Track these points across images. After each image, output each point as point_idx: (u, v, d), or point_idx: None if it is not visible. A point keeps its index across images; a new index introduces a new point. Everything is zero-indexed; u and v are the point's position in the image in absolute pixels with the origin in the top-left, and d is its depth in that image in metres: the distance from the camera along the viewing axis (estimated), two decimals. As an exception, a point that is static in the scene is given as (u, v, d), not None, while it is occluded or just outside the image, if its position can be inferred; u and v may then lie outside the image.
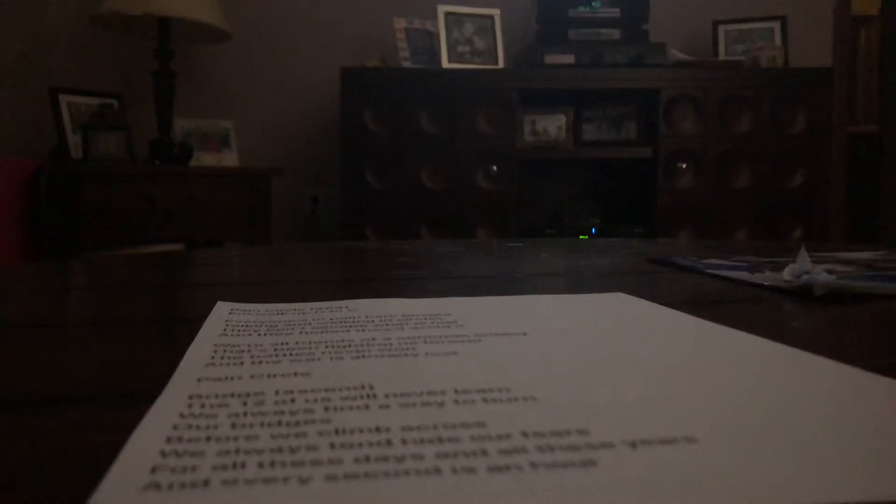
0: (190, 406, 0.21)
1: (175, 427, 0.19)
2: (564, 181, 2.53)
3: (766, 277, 0.50)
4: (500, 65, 2.35)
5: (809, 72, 2.29)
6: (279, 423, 0.20)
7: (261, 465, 0.17)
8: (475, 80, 2.24)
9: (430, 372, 0.25)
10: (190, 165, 2.18)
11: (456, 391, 0.22)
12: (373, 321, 0.34)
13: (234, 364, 0.26)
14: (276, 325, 0.34)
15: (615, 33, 2.30)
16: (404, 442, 0.18)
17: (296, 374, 0.25)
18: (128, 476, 0.16)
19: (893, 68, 3.11)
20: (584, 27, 2.29)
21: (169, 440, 0.18)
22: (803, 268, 0.46)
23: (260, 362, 0.27)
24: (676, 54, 2.33)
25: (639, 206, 2.38)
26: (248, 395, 0.22)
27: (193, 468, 0.16)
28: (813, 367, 0.26)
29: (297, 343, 0.30)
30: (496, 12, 2.39)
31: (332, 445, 0.18)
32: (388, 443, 0.18)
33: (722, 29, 2.51)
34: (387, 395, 0.22)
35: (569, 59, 2.25)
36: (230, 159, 2.37)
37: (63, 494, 0.16)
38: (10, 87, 2.35)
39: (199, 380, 0.24)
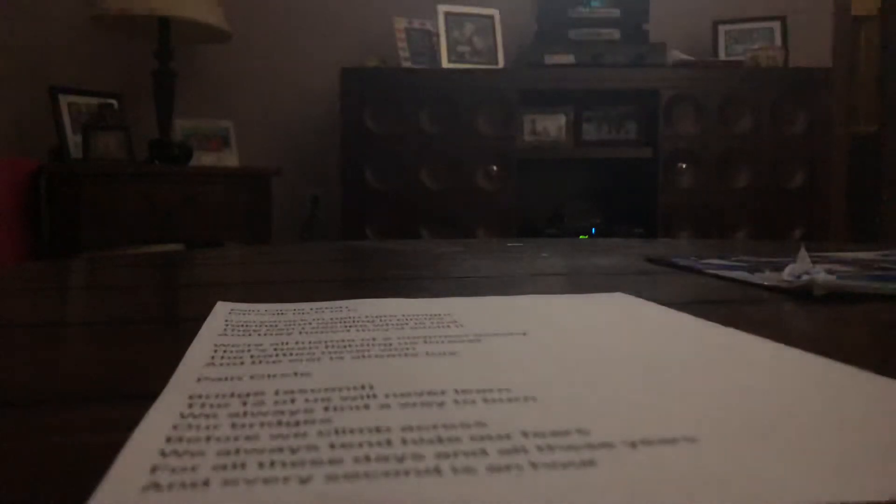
0: (190, 406, 0.21)
1: (175, 427, 0.19)
2: (564, 181, 2.53)
3: (765, 277, 0.50)
4: (500, 65, 2.35)
5: (809, 72, 2.29)
6: (279, 423, 0.20)
7: (261, 465, 0.17)
8: (475, 80, 2.24)
9: (430, 372, 0.25)
10: (190, 165, 2.18)
11: (456, 391, 0.22)
12: (373, 321, 0.34)
13: (234, 364, 0.26)
14: (276, 325, 0.34)
15: (615, 33, 2.30)
16: (404, 442, 0.18)
17: (296, 374, 0.25)
18: (128, 476, 0.16)
19: (893, 68, 3.11)
20: (583, 27, 2.29)
21: (169, 440, 0.18)
22: (803, 268, 0.46)
23: (260, 362, 0.27)
24: (676, 54, 2.33)
25: (639, 206, 2.38)
26: (248, 395, 0.22)
27: (193, 468, 0.16)
28: (813, 367, 0.26)
29: (297, 343, 0.30)
30: (496, 12, 2.39)
31: (332, 445, 0.18)
32: (388, 443, 0.18)
33: (722, 29, 2.51)
34: (387, 395, 0.22)
35: (569, 59, 2.25)
36: (230, 159, 2.37)
37: (63, 494, 0.16)
38: (10, 87, 2.35)
39: (199, 380, 0.24)
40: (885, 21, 3.22)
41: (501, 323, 0.34)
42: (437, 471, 0.16)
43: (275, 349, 0.29)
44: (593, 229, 2.31)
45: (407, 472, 0.16)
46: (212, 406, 0.21)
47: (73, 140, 2.17)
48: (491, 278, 0.58)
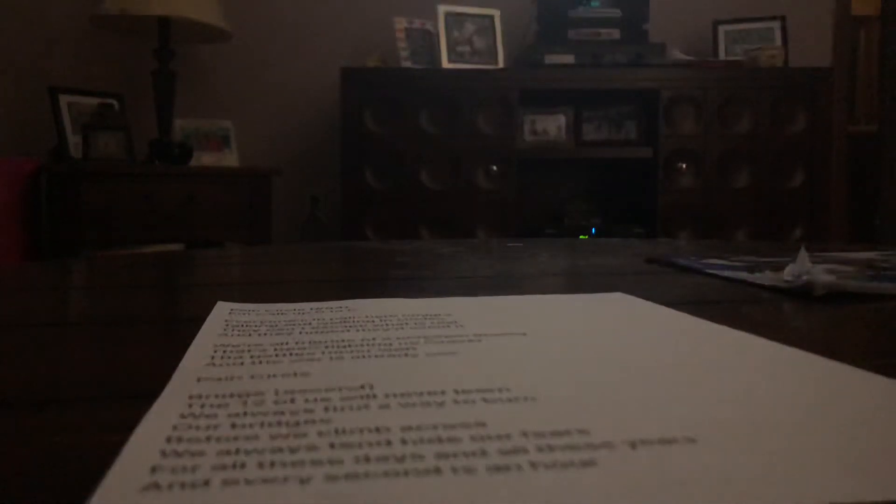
0: (190, 406, 0.21)
1: (175, 427, 0.19)
2: (564, 181, 2.53)
3: (765, 277, 0.50)
4: (500, 65, 2.35)
5: (809, 72, 2.29)
6: (279, 423, 0.20)
7: (261, 465, 0.17)
8: (475, 80, 2.24)
9: (430, 372, 0.25)
10: (190, 165, 2.18)
11: (456, 391, 0.22)
12: (373, 321, 0.34)
13: (234, 364, 0.26)
14: (276, 325, 0.34)
15: (615, 33, 2.29)
16: (404, 442, 0.18)
17: (296, 374, 0.25)
18: (128, 476, 0.16)
19: (893, 68, 3.11)
20: (583, 27, 2.29)
21: (169, 440, 0.18)
22: (803, 268, 0.46)
23: (260, 362, 0.27)
24: (676, 54, 2.33)
25: (639, 206, 2.38)
26: (248, 395, 0.22)
27: (193, 468, 0.16)
28: (813, 367, 0.26)
29: (297, 343, 0.30)
30: (496, 12, 2.39)
31: (332, 445, 0.18)
32: (388, 443, 0.18)
33: (722, 29, 2.51)
34: (387, 395, 0.22)
35: (569, 59, 2.25)
36: (230, 159, 2.37)
37: (63, 494, 0.16)
38: (10, 87, 2.35)
39: (199, 380, 0.24)
40: (885, 21, 3.22)
41: (501, 323, 0.34)
42: (437, 471, 0.16)
43: (275, 349, 0.29)
44: (593, 229, 2.31)
45: (407, 472, 0.16)
46: (212, 406, 0.21)
47: (73, 140, 2.17)
48: (491, 278, 0.58)
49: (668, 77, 2.25)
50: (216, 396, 0.22)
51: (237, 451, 0.17)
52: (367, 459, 0.17)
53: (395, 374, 0.25)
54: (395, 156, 2.21)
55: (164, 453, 0.17)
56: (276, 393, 0.23)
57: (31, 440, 0.20)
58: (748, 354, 0.28)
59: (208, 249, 1.81)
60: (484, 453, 0.17)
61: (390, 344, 0.30)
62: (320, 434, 0.19)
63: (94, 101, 2.22)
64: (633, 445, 0.18)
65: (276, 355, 0.28)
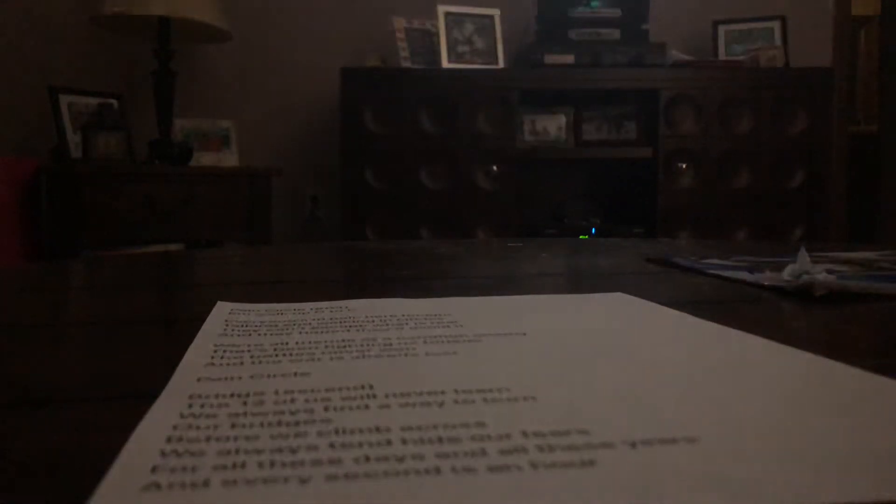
0: (190, 406, 0.21)
1: (175, 427, 0.19)
2: (564, 181, 2.53)
3: (765, 277, 0.50)
4: (500, 65, 2.35)
5: (809, 72, 2.29)
6: (279, 423, 0.20)
7: (261, 465, 0.17)
8: (475, 80, 2.24)
9: (430, 372, 0.25)
10: (190, 165, 2.18)
11: (456, 391, 0.22)
12: (373, 321, 0.34)
13: (234, 364, 0.26)
14: (276, 325, 0.34)
15: (615, 33, 2.29)
16: (404, 442, 0.18)
17: (296, 374, 0.25)
18: (128, 476, 0.16)
19: (893, 68, 3.11)
20: (584, 27, 2.29)
21: (169, 440, 0.18)
22: (803, 268, 0.46)
23: (260, 362, 0.27)
24: (676, 54, 2.33)
25: (639, 206, 2.38)
26: (248, 395, 0.22)
27: (193, 468, 0.16)
28: (813, 367, 0.26)
29: (297, 343, 0.30)
30: (496, 12, 2.39)
31: (332, 445, 0.18)
32: (388, 443, 0.18)
33: (722, 29, 2.51)
34: (387, 395, 0.22)
35: (569, 59, 2.25)
36: (230, 159, 2.37)
37: (63, 494, 0.16)
38: (10, 87, 2.35)
39: (199, 380, 0.24)
40: (885, 21, 3.22)
41: (501, 323, 0.34)
42: (437, 471, 0.16)
43: (275, 349, 0.29)
44: (593, 229, 2.31)
45: (407, 472, 0.16)
46: (212, 406, 0.21)
47: (73, 140, 2.17)
48: (491, 278, 0.58)
49: (668, 77, 2.25)
50: (216, 396, 0.22)
51: (237, 451, 0.17)
52: (367, 459, 0.17)
53: (395, 374, 0.25)
54: (395, 156, 2.21)
55: (164, 453, 0.17)
56: (276, 393, 0.23)
57: (31, 440, 0.20)
58: (748, 354, 0.28)
59: (208, 249, 1.81)
60: (484, 453, 0.17)
61: (390, 344, 0.30)
62: (320, 434, 0.19)
63: (94, 101, 2.22)
64: (633, 445, 0.18)
65: (276, 355, 0.28)
